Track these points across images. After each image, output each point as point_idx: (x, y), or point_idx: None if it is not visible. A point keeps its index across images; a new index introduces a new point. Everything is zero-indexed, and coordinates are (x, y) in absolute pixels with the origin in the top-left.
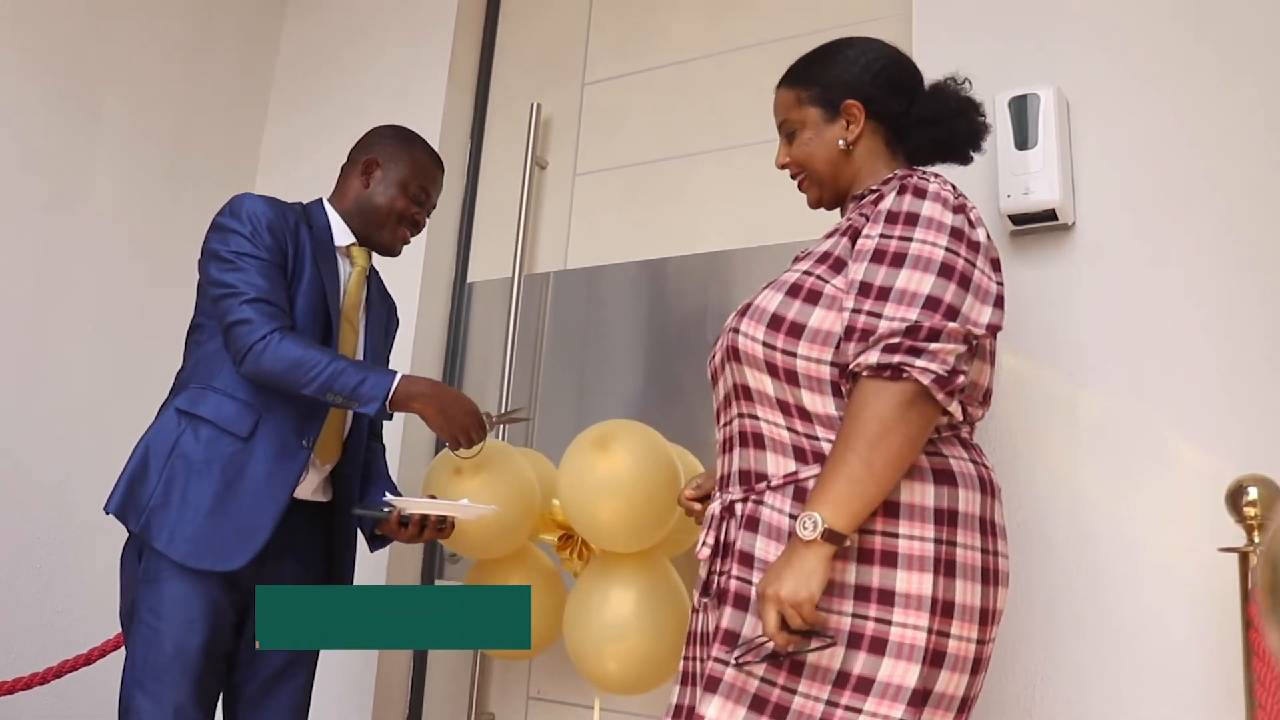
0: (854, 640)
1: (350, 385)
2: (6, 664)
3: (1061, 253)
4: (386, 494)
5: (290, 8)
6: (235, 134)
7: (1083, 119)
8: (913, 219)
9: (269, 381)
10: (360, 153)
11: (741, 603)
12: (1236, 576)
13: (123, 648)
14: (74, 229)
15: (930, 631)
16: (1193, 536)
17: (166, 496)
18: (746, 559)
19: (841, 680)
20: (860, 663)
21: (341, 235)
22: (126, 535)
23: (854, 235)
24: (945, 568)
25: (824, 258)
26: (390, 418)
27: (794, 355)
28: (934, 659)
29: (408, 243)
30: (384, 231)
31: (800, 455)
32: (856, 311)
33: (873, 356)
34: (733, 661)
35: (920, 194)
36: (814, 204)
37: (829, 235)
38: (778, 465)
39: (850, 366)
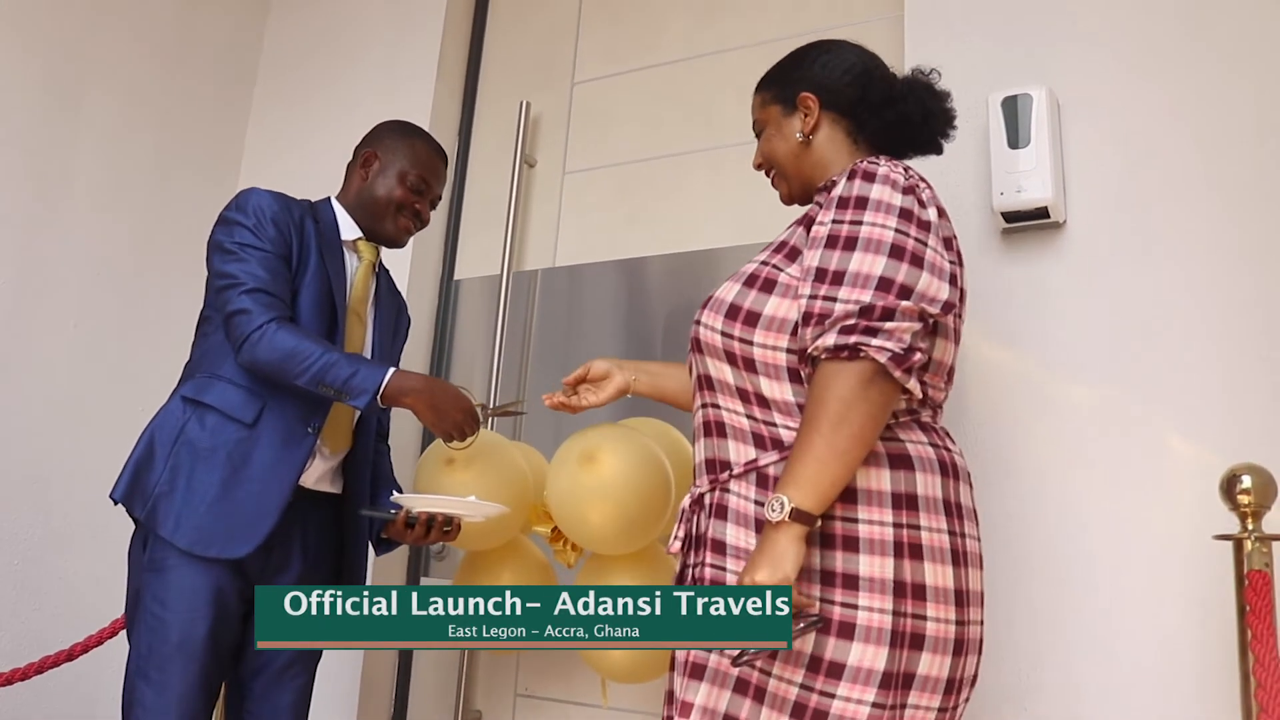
0: (824, 625)
1: (342, 377)
2: None
3: (1053, 250)
4: (393, 494)
5: (275, 1)
6: (219, 128)
7: (1074, 118)
8: (862, 203)
9: (264, 371)
10: (362, 147)
11: None
12: (1231, 563)
13: (103, 644)
14: (56, 223)
15: (897, 614)
16: (1186, 524)
17: (172, 483)
18: (719, 546)
19: (814, 665)
20: (831, 647)
21: (348, 229)
22: (108, 531)
23: (809, 224)
24: (910, 550)
25: (780, 247)
26: (386, 412)
27: (750, 343)
28: (912, 641)
29: (411, 233)
30: (385, 223)
31: (759, 442)
32: (812, 297)
33: (829, 339)
34: (733, 661)
35: (869, 178)
36: (785, 199)
37: (789, 226)
38: (739, 453)
39: (808, 350)
